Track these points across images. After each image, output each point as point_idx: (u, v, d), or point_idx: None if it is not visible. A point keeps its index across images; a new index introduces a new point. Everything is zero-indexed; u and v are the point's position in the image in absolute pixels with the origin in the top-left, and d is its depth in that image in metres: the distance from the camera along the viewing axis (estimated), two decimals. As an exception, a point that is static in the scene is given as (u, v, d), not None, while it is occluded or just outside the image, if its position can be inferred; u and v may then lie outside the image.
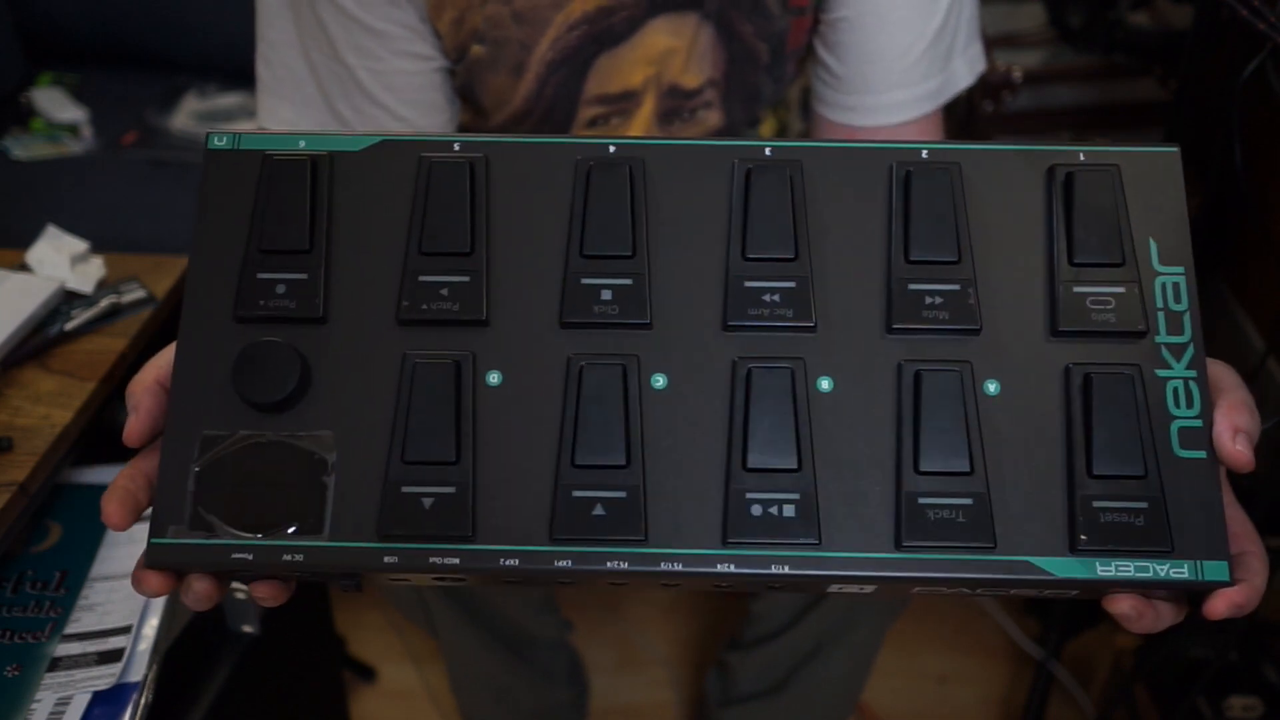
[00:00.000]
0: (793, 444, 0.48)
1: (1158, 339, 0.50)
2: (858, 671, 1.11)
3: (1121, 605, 0.48)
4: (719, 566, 0.47)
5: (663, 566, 0.47)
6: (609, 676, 1.40)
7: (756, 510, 0.47)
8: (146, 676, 0.73)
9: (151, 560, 0.48)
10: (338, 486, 0.48)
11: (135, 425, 0.50)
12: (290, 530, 0.48)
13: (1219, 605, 0.46)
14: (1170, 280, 0.51)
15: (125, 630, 0.76)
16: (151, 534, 0.48)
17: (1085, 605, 1.35)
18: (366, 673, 1.39)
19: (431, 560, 0.47)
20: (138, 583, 0.48)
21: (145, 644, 0.75)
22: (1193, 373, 0.49)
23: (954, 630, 1.46)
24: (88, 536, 0.83)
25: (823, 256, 0.52)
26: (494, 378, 0.50)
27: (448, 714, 1.35)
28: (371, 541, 0.48)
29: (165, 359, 0.52)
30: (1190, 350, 0.50)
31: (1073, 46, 1.39)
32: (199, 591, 0.48)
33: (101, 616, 0.77)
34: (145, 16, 1.52)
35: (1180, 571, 0.47)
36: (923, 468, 0.48)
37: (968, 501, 0.47)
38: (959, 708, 1.38)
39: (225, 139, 0.54)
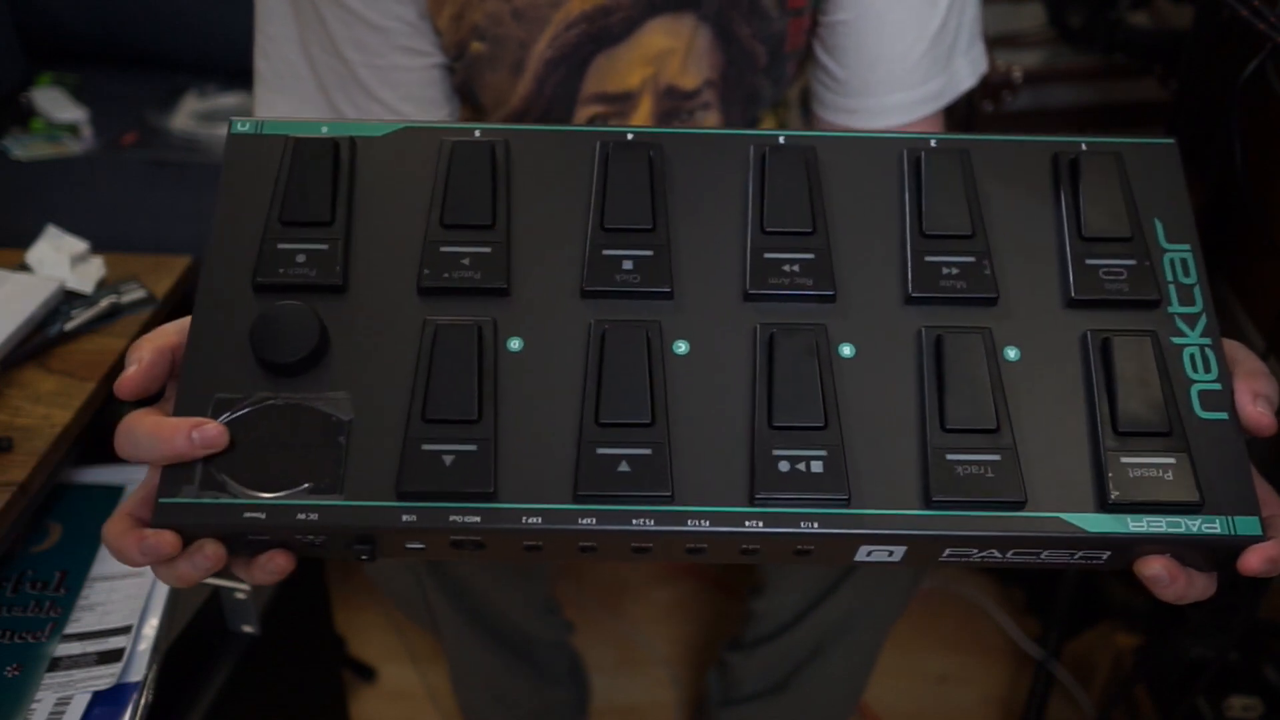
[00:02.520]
0: (819, 402, 0.48)
1: (1170, 309, 0.51)
2: (859, 671, 1.11)
3: (1153, 566, 0.46)
4: (747, 524, 0.46)
5: (690, 525, 0.46)
6: (609, 676, 1.40)
7: (784, 466, 0.47)
8: (146, 676, 0.73)
9: (160, 520, 0.46)
10: (355, 446, 0.47)
11: (133, 376, 0.49)
12: (305, 489, 0.46)
13: (1253, 559, 0.46)
14: (1178, 256, 0.52)
15: (125, 630, 0.76)
16: (160, 494, 0.46)
17: (1085, 604, 1.35)
18: (366, 673, 1.39)
19: (452, 519, 0.46)
20: (141, 542, 0.45)
21: (145, 644, 0.75)
22: (1207, 340, 0.50)
23: (954, 630, 1.46)
24: (88, 536, 0.83)
25: (839, 232, 0.53)
26: (515, 344, 0.50)
27: (448, 714, 1.35)
28: (390, 500, 0.46)
29: (180, 325, 0.51)
30: (1203, 319, 0.51)
31: (1073, 46, 1.39)
32: (210, 555, 0.46)
33: (101, 616, 0.77)
34: (145, 16, 1.52)
35: (1212, 527, 0.46)
36: (949, 425, 0.48)
37: (996, 457, 0.47)
38: (959, 708, 1.38)
39: (248, 124, 0.55)
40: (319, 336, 0.49)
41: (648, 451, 0.47)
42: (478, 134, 0.55)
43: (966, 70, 0.84)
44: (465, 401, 0.48)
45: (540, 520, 0.46)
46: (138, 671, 0.74)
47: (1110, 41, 1.30)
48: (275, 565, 0.47)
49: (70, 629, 0.77)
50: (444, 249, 0.51)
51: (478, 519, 0.46)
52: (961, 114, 1.43)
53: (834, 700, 1.12)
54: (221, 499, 0.46)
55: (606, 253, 0.51)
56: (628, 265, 0.51)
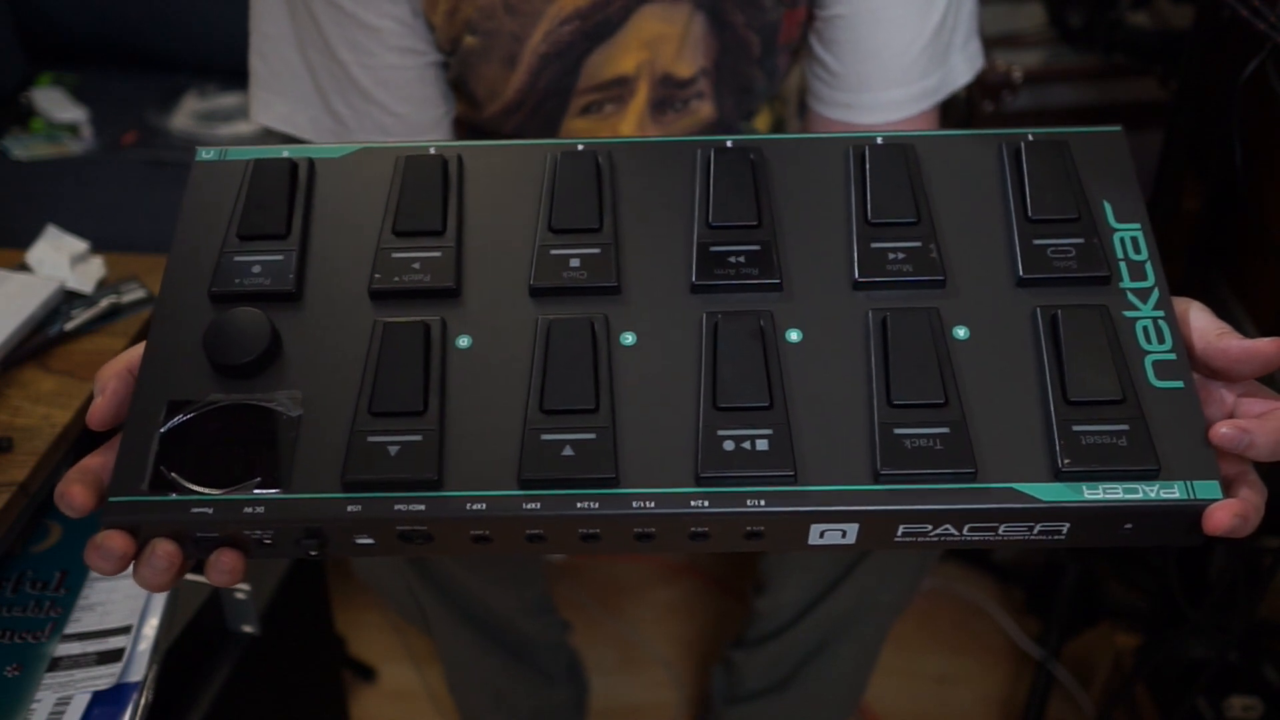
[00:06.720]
0: (763, 383, 0.48)
1: (1122, 285, 0.51)
2: (862, 668, 1.11)
3: (1220, 519, 0.45)
4: (693, 504, 0.46)
5: (635, 506, 0.46)
6: (609, 676, 1.40)
7: (729, 445, 0.47)
8: (146, 676, 0.73)
9: (110, 519, 0.46)
10: (303, 442, 0.48)
11: (100, 406, 0.49)
12: (252, 484, 0.47)
13: (1221, 515, 0.45)
14: (1128, 235, 0.53)
15: (125, 630, 0.76)
16: (110, 493, 0.47)
17: (1085, 604, 1.35)
18: (366, 673, 1.39)
19: (396, 508, 0.46)
20: (96, 548, 0.46)
21: (145, 644, 0.75)
22: (1160, 313, 0.50)
23: (954, 630, 1.46)
24: (88, 536, 0.83)
25: (786, 226, 0.54)
26: (464, 341, 0.51)
27: (448, 714, 1.35)
28: (335, 492, 0.46)
29: (139, 349, 0.51)
30: (1156, 293, 0.51)
31: (1073, 46, 1.39)
32: (163, 555, 0.46)
33: (101, 616, 0.77)
34: (145, 16, 1.52)
35: (1171, 492, 0.46)
36: (896, 401, 0.48)
37: (944, 430, 0.47)
38: (959, 708, 1.38)
39: (213, 152, 0.57)
40: (270, 339, 0.49)
41: (592, 436, 0.47)
42: (433, 151, 0.56)
43: (963, 66, 0.84)
44: (410, 394, 0.48)
45: (484, 507, 0.46)
46: (138, 671, 0.74)
47: (1110, 41, 1.30)
48: (223, 564, 0.47)
49: (70, 629, 0.77)
50: (395, 254, 0.52)
51: (422, 507, 0.46)
52: (961, 113, 1.43)
53: (837, 697, 1.12)
54: (170, 496, 0.46)
55: (554, 252, 0.52)
56: (575, 263, 0.52)
